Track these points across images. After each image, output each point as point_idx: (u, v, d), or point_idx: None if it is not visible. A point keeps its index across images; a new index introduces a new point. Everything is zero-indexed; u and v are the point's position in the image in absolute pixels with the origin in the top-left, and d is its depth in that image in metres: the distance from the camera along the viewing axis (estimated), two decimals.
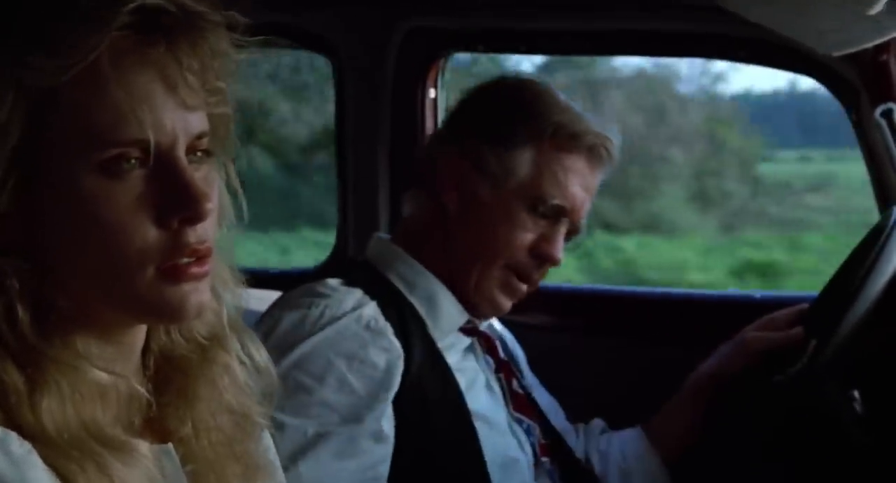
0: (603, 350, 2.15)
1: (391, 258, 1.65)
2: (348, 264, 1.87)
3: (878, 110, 1.84)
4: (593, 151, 1.64)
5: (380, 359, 1.51)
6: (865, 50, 1.70)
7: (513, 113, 1.64)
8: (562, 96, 1.69)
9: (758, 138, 9.14)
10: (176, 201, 0.90)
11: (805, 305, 1.78)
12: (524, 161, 1.61)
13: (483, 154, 1.62)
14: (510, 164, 1.61)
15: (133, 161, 0.90)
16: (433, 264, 1.64)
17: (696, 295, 2.36)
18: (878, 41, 1.55)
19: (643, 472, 1.81)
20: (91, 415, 0.90)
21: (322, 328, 1.51)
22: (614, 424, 1.91)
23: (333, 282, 1.57)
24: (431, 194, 1.66)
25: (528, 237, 1.62)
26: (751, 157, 8.95)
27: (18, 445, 0.85)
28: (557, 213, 1.63)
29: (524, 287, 1.65)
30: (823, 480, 1.57)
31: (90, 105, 0.88)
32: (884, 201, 1.93)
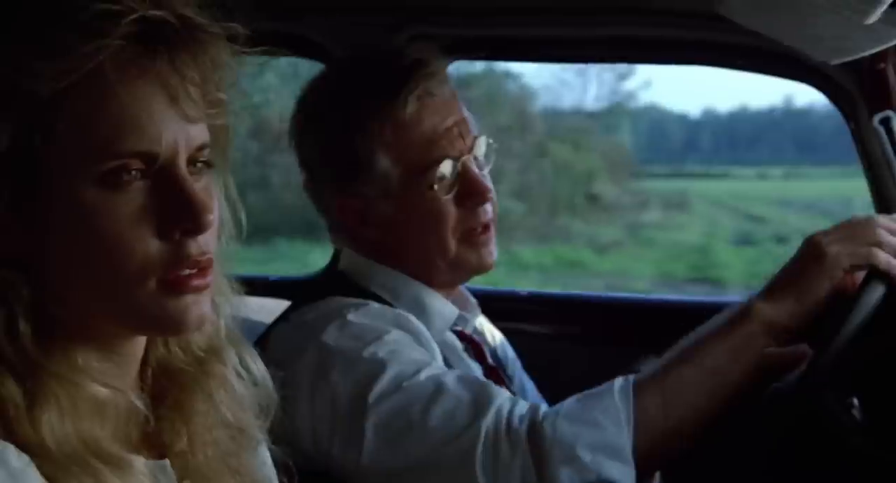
0: (599, 357, 2.15)
1: (367, 270, 1.64)
2: (329, 277, 1.86)
3: (876, 118, 1.85)
4: (424, 99, 1.57)
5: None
6: (863, 58, 1.71)
7: (339, 142, 1.59)
8: (351, 79, 1.62)
9: (598, 156, 9.31)
10: (177, 213, 0.91)
11: None
12: (387, 165, 1.57)
13: (354, 186, 1.59)
14: (381, 176, 1.57)
15: (134, 173, 0.90)
16: (403, 271, 1.63)
17: (693, 302, 2.36)
18: (875, 49, 1.56)
19: None
20: (90, 430, 0.90)
21: (386, 324, 1.51)
22: None
23: (338, 298, 1.56)
24: (349, 234, 1.65)
25: (449, 204, 1.58)
26: (583, 175, 9.06)
27: (16, 458, 0.85)
28: (453, 166, 1.58)
29: (489, 232, 1.62)
30: None
31: (91, 116, 0.88)
32: (883, 209, 1.93)
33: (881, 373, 1.52)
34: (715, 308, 2.26)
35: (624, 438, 1.38)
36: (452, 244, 1.59)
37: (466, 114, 1.63)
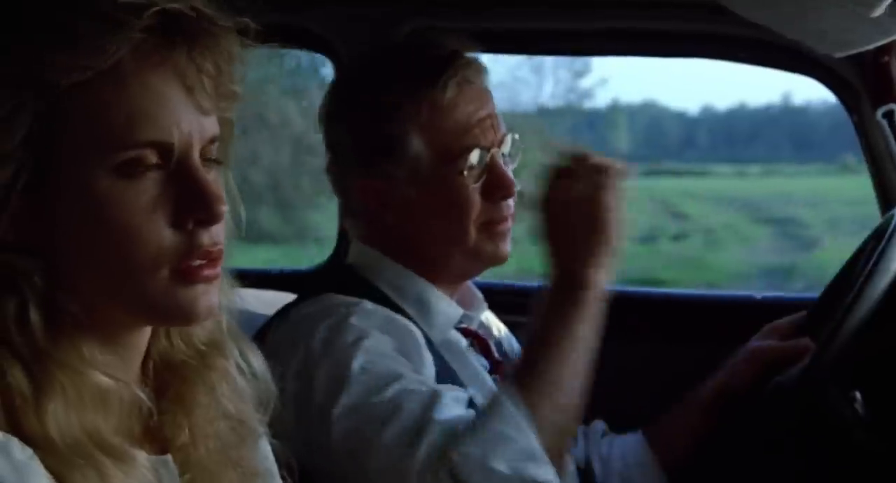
0: (602, 350, 2.15)
1: (375, 264, 1.63)
2: (336, 271, 1.86)
3: (880, 111, 1.85)
4: (462, 86, 1.58)
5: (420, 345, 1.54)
6: (866, 51, 1.70)
7: (372, 123, 1.59)
8: (388, 59, 1.65)
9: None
10: (192, 203, 0.92)
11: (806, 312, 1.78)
12: (419, 147, 1.56)
13: (383, 167, 1.58)
14: (411, 157, 1.57)
15: (149, 163, 0.90)
16: (413, 265, 1.62)
17: (696, 295, 2.36)
18: (879, 43, 1.55)
19: (644, 480, 1.81)
20: (93, 422, 0.90)
21: (370, 327, 1.50)
22: (614, 424, 1.91)
23: (335, 295, 1.56)
24: (367, 218, 1.64)
25: (475, 193, 1.58)
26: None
27: (20, 451, 0.85)
28: (482, 156, 1.58)
29: (508, 224, 1.62)
30: (824, 481, 1.57)
31: (110, 106, 0.89)
32: (885, 202, 1.93)
33: (884, 367, 1.52)
34: (715, 303, 2.27)
35: (533, 441, 1.39)
36: (472, 233, 1.59)
37: (497, 110, 1.63)
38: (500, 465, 1.37)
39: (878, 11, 1.28)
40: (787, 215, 11.09)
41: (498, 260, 1.64)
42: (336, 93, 1.68)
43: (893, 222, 1.61)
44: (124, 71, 0.89)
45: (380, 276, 1.62)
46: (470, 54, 1.61)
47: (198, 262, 0.92)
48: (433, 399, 1.43)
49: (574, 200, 1.48)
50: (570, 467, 1.52)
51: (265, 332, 1.55)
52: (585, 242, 1.48)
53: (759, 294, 2.18)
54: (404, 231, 1.61)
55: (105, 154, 0.89)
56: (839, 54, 1.71)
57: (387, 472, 1.40)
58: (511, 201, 1.62)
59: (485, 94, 1.61)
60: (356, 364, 1.45)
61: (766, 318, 1.86)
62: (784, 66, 2.03)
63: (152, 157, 0.91)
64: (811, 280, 8.95)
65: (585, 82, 10.20)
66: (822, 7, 1.38)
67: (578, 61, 10.44)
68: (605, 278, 1.49)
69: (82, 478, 0.86)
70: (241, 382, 1.04)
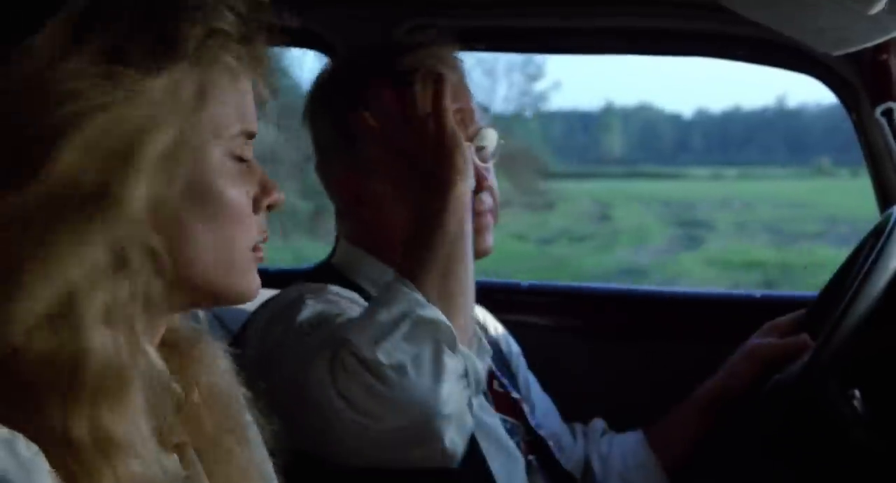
0: (602, 349, 2.16)
1: (357, 262, 1.64)
2: (322, 271, 1.86)
3: (879, 109, 1.85)
4: (428, 81, 1.57)
5: None
6: (865, 49, 1.70)
7: (347, 118, 1.59)
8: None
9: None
10: (267, 188, 1.00)
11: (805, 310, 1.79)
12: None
13: (357, 162, 1.59)
14: (382, 152, 1.57)
15: (241, 150, 0.97)
16: (393, 261, 1.62)
17: (695, 294, 2.36)
18: (878, 40, 1.55)
19: (644, 480, 1.81)
20: (134, 414, 0.90)
21: (325, 297, 1.51)
22: (614, 423, 1.91)
23: (305, 283, 1.58)
24: (349, 214, 1.66)
25: None
26: None
27: (25, 448, 0.84)
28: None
29: (486, 219, 1.62)
30: (823, 480, 1.58)
31: (231, 93, 0.96)
32: (884, 201, 1.93)
33: (883, 365, 1.53)
34: (714, 301, 2.28)
35: (419, 297, 1.38)
36: None
37: (475, 105, 1.63)
38: (385, 316, 1.35)
39: (876, 9, 1.29)
40: (703, 218, 11.12)
41: (478, 254, 1.62)
42: (317, 89, 1.69)
43: (892, 220, 1.61)
44: (237, 66, 0.97)
45: (361, 274, 1.63)
46: (443, 49, 1.62)
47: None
48: (353, 320, 1.42)
49: (416, 121, 1.51)
50: (484, 345, 1.48)
51: (247, 325, 1.56)
52: (433, 153, 1.48)
53: (758, 292, 2.19)
54: (381, 226, 1.61)
55: (224, 137, 0.95)
56: (837, 52, 1.70)
57: (318, 398, 1.36)
58: (484, 196, 1.61)
59: (455, 89, 1.60)
60: (300, 317, 1.45)
61: (765, 317, 1.86)
62: (782, 65, 2.03)
63: (243, 146, 0.98)
64: (650, 280, 9.05)
65: (539, 85, 10.26)
66: (820, 5, 1.39)
67: (532, 65, 10.41)
68: (462, 175, 1.47)
69: (98, 473, 0.86)
70: (225, 362, 1.07)
